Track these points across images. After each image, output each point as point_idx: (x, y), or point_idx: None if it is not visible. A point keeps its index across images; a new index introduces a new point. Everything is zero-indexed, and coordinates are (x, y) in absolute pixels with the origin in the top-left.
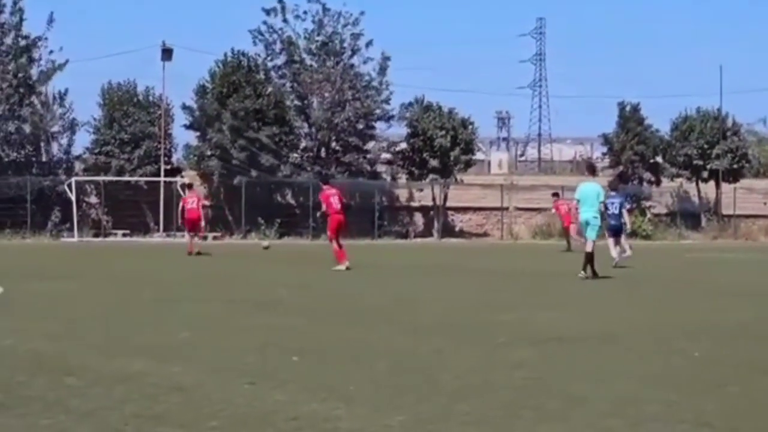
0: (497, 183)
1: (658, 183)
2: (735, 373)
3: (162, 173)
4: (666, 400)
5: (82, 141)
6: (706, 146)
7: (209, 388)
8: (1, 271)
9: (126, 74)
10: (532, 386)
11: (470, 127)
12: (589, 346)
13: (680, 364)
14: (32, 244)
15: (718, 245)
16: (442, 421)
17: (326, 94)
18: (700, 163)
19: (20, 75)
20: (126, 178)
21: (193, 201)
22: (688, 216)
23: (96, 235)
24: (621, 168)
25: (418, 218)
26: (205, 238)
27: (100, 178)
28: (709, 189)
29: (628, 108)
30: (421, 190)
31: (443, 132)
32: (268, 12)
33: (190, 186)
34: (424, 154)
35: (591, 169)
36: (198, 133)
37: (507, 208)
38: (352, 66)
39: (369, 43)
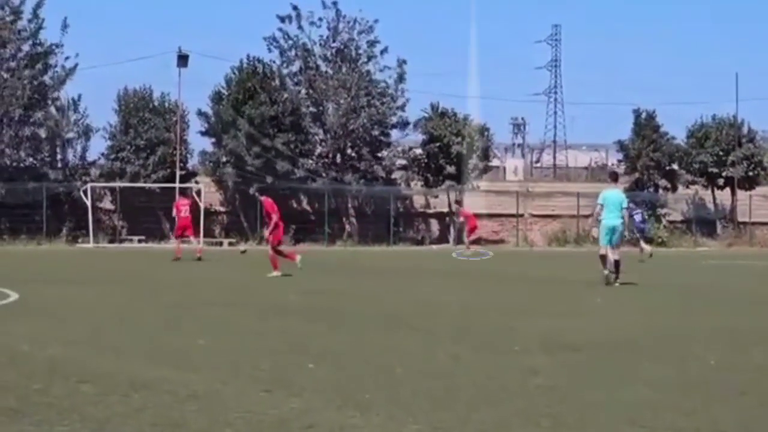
0: (512, 190)
1: (673, 190)
2: (751, 381)
3: (177, 179)
4: (682, 408)
5: (98, 147)
6: (721, 153)
7: (225, 395)
8: (18, 277)
9: (142, 80)
10: (548, 393)
11: (486, 133)
12: (604, 353)
13: (696, 372)
14: (48, 250)
15: (733, 252)
16: (458, 429)
17: (341, 101)
18: (716, 170)
19: (35, 82)
20: (141, 184)
21: (186, 208)
22: (703, 223)
23: (111, 241)
24: (637, 175)
25: (434, 225)
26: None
27: (116, 184)
28: (724, 196)
29: (643, 115)
30: (437, 196)
31: (459, 139)
32: (283, 19)
33: (183, 192)
34: (440, 161)
35: (614, 177)
36: (213, 140)
37: (522, 215)
38: (368, 72)
39: (384, 50)
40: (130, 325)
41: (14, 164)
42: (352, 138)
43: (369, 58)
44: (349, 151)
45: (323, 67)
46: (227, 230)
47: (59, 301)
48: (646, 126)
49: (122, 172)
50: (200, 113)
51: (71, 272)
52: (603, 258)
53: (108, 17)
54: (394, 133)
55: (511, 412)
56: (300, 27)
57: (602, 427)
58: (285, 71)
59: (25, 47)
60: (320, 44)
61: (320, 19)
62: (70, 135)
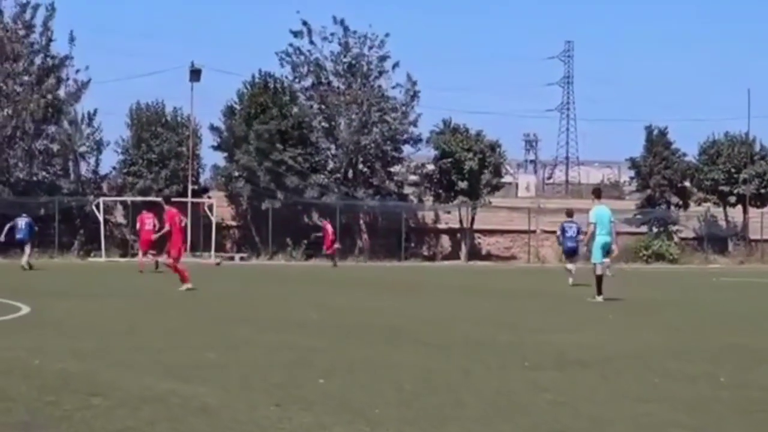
0: (524, 206)
1: (685, 207)
2: (761, 399)
3: (189, 194)
4: (692, 425)
5: (110, 161)
6: (733, 171)
7: (235, 409)
8: (30, 291)
9: (154, 94)
10: (558, 409)
11: (498, 150)
12: (614, 368)
13: (706, 388)
14: (60, 264)
15: (744, 270)
16: None
17: (353, 116)
18: (728, 187)
19: (49, 96)
20: (153, 198)
21: (150, 222)
22: (715, 240)
23: (123, 255)
24: (648, 192)
25: (445, 240)
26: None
27: (128, 198)
28: (736, 213)
29: (655, 132)
30: (449, 212)
31: (471, 154)
32: (295, 34)
33: (149, 206)
34: (452, 177)
35: (597, 193)
36: (225, 154)
37: (534, 231)
38: (379, 87)
39: (396, 65)
40: (140, 338)
41: (27, 178)
42: (364, 153)
43: (380, 74)
44: (360, 166)
45: (335, 83)
46: (239, 245)
47: (70, 315)
48: (658, 143)
49: (134, 186)
50: (212, 128)
51: (83, 286)
52: (599, 280)
53: (121, 32)
54: (406, 149)
55: (520, 427)
56: (312, 42)
57: None
58: (297, 86)
59: (37, 60)
60: (332, 60)
61: (332, 34)
62: (83, 149)
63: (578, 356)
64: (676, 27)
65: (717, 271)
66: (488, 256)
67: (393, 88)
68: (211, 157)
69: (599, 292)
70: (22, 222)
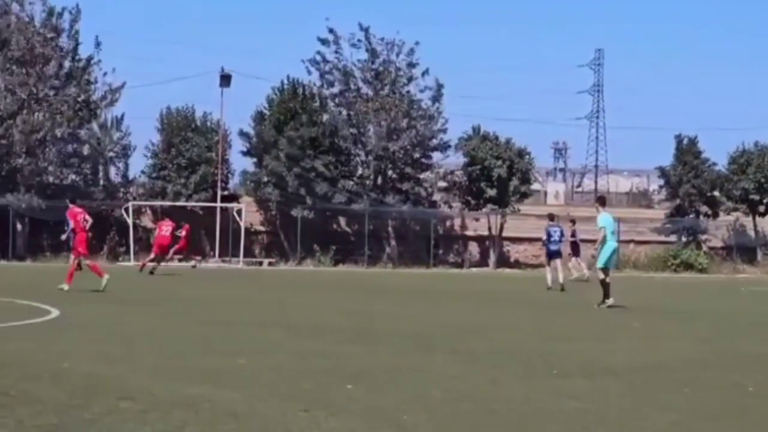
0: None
1: (714, 216)
2: None
3: (218, 199)
4: None
5: (139, 165)
6: (763, 180)
7: (264, 414)
8: (59, 294)
9: (184, 100)
10: (586, 417)
11: (527, 157)
12: (642, 377)
13: (734, 398)
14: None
15: None
16: None
17: (382, 123)
18: (757, 197)
19: (80, 99)
20: (183, 203)
21: (168, 228)
22: (744, 250)
23: (152, 260)
24: (678, 201)
25: (474, 248)
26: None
27: (157, 203)
28: (765, 223)
29: (685, 141)
30: (477, 219)
31: (500, 162)
32: (323, 42)
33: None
34: (481, 184)
35: (602, 201)
36: (255, 160)
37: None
38: (408, 93)
39: (425, 72)
40: (169, 343)
41: (56, 181)
42: (393, 160)
43: (409, 80)
44: (389, 172)
45: (364, 89)
46: (267, 250)
47: (99, 319)
48: (687, 152)
49: (164, 191)
50: (242, 133)
51: (112, 290)
52: (607, 286)
53: (148, 37)
54: (435, 156)
55: None
56: (338, 51)
57: None
58: (326, 93)
59: (66, 63)
60: (360, 67)
61: (359, 41)
62: (112, 153)
63: (606, 365)
64: (707, 36)
65: (746, 280)
66: (517, 264)
67: (421, 92)
68: (241, 163)
69: (607, 296)
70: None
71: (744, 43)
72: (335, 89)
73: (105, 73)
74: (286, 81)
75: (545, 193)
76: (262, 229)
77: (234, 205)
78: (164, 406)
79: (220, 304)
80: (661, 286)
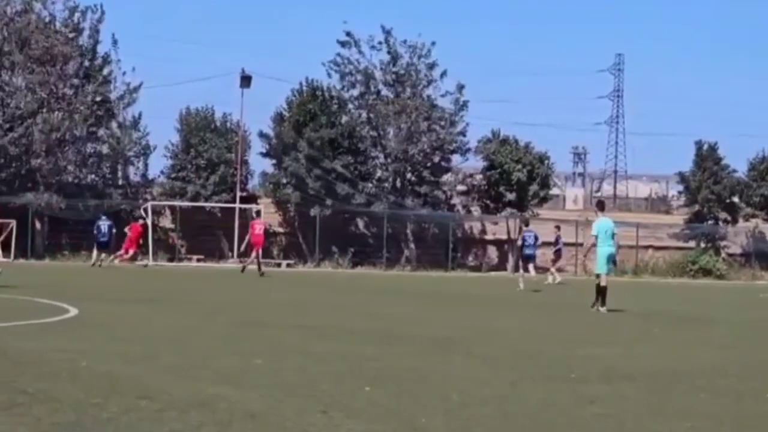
0: (572, 219)
1: (733, 223)
2: None
3: (237, 200)
4: None
5: (158, 165)
6: None
7: (282, 414)
8: (77, 293)
9: (204, 100)
10: (604, 422)
11: (546, 161)
12: (661, 383)
13: (752, 405)
14: (107, 267)
15: None
16: None
17: (402, 125)
18: None
19: (98, 98)
20: (201, 203)
21: (260, 227)
22: (762, 256)
23: (170, 260)
24: (697, 207)
25: (492, 251)
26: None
27: (176, 203)
28: None
29: (705, 147)
30: (496, 223)
31: (520, 166)
32: (342, 44)
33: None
34: (500, 188)
35: (601, 206)
36: (274, 161)
37: (581, 244)
38: (428, 97)
39: (443, 74)
40: (187, 343)
41: (76, 181)
42: (412, 163)
43: (429, 83)
44: (409, 175)
45: (384, 92)
46: (286, 251)
47: (117, 318)
48: (707, 158)
49: (183, 191)
50: (261, 134)
51: (130, 289)
52: (602, 291)
53: (169, 37)
54: (455, 159)
55: None
56: (360, 52)
57: None
58: (346, 95)
59: (86, 63)
60: (380, 68)
61: (380, 43)
62: (131, 153)
63: (625, 370)
64: (728, 42)
65: (765, 287)
66: (535, 268)
67: (442, 96)
68: (260, 164)
69: (603, 303)
70: (104, 225)
71: (765, 50)
72: (355, 91)
73: (124, 73)
74: (305, 82)
75: (564, 198)
76: (280, 230)
77: (252, 206)
78: (181, 405)
79: (238, 304)
80: (680, 292)
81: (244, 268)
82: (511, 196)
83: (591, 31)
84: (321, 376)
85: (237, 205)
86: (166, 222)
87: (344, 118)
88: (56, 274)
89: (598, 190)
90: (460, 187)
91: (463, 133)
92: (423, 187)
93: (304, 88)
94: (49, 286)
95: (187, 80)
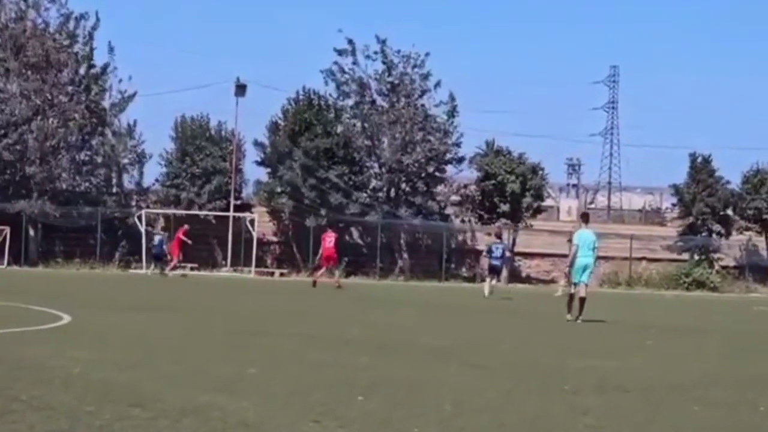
0: (566, 230)
1: (727, 235)
2: None
3: (231, 208)
4: None
5: (153, 173)
6: None
7: (275, 424)
8: (71, 301)
9: (199, 108)
10: None
11: (540, 173)
12: (654, 395)
13: (745, 417)
14: (101, 274)
15: None
16: None
17: (396, 135)
18: None
19: (93, 105)
20: (195, 212)
21: (331, 239)
22: (756, 269)
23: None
24: (691, 219)
25: (485, 262)
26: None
27: (170, 211)
28: None
29: (699, 159)
30: (490, 234)
31: (514, 177)
32: (340, 53)
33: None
34: (495, 198)
35: (585, 218)
36: (269, 170)
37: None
38: (422, 107)
39: (437, 84)
40: (180, 351)
41: (70, 188)
42: (407, 173)
43: (423, 92)
44: (403, 185)
45: (379, 101)
46: (279, 261)
47: (111, 326)
48: (701, 170)
49: (177, 200)
50: (256, 143)
51: (123, 297)
52: (571, 300)
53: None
54: (449, 169)
55: None
56: (355, 62)
57: None
58: (341, 104)
59: (81, 70)
60: (375, 78)
61: (375, 53)
62: (126, 161)
63: (618, 381)
64: (723, 54)
65: (758, 300)
66: (528, 279)
67: (436, 106)
68: (254, 173)
69: (569, 311)
70: (156, 239)
71: (760, 63)
72: (351, 101)
73: (120, 80)
74: (301, 92)
75: (558, 209)
76: (274, 239)
77: (247, 214)
78: (174, 413)
79: (233, 313)
80: (673, 304)
81: (315, 283)
82: (504, 207)
83: (586, 42)
84: (315, 385)
85: (231, 214)
86: (161, 229)
87: (339, 128)
88: (50, 281)
89: (592, 202)
90: (454, 198)
91: (457, 144)
92: (417, 197)
93: (300, 97)
94: (43, 294)
95: (182, 88)
